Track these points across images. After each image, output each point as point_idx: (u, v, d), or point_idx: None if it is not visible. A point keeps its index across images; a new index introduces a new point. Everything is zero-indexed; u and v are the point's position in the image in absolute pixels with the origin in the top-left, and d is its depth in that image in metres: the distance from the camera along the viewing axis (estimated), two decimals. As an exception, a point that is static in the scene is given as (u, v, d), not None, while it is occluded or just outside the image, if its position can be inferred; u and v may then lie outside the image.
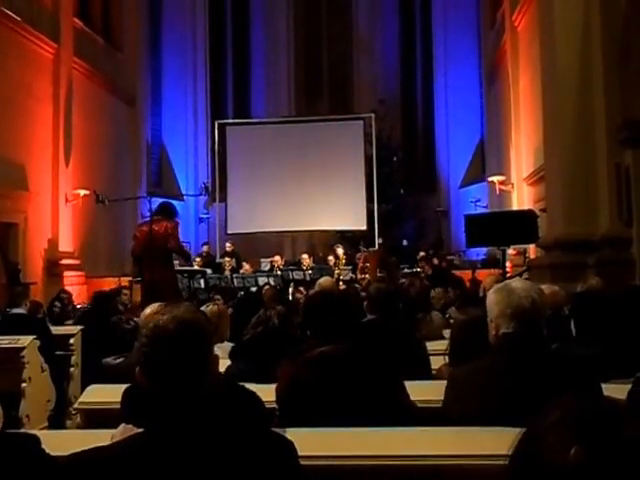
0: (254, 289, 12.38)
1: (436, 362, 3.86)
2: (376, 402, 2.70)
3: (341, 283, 12.75)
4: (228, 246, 16.42)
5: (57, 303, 9.54)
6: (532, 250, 12.94)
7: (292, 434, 1.83)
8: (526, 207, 13.45)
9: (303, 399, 2.71)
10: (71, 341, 6.73)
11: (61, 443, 2.16)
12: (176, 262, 10.12)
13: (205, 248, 16.94)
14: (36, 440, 1.71)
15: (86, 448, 1.66)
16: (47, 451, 1.76)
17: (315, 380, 2.72)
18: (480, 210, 17.15)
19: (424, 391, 3.06)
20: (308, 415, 2.63)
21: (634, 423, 1.01)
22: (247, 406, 2.19)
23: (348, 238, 18.40)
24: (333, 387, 2.69)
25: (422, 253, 15.72)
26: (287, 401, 2.75)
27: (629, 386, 2.53)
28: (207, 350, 1.70)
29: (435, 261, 15.42)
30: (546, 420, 1.04)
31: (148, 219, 8.82)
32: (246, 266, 14.94)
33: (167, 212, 8.75)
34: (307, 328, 3.09)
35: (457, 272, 13.82)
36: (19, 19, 13.73)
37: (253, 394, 2.39)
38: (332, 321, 2.96)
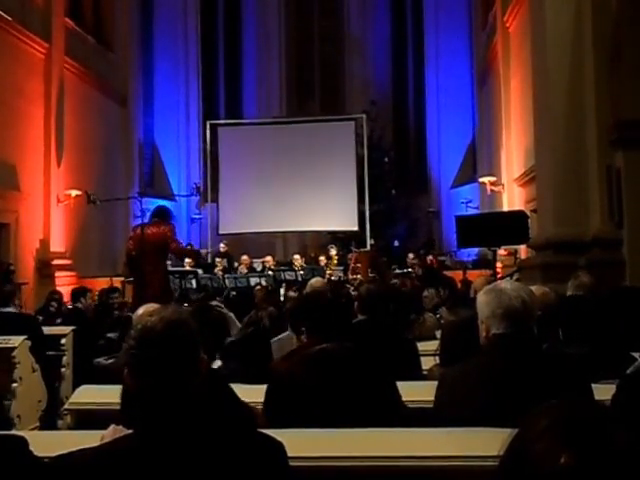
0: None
1: (427, 363, 3.86)
2: (374, 402, 2.70)
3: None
4: (222, 247, 16.25)
5: (53, 303, 9.54)
6: (523, 251, 12.96)
7: (281, 434, 1.82)
8: (517, 208, 13.48)
9: (297, 396, 2.70)
10: (62, 341, 6.70)
11: (50, 444, 2.15)
12: (168, 262, 10.10)
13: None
14: (23, 441, 1.70)
15: (73, 449, 1.65)
16: (35, 452, 1.75)
17: (314, 377, 2.70)
18: (471, 211, 17.17)
19: (415, 392, 3.05)
20: (300, 412, 2.62)
21: (623, 428, 1.01)
22: (234, 406, 2.18)
23: (340, 239, 18.39)
24: (330, 385, 2.68)
25: (411, 255, 15.61)
26: (278, 397, 2.74)
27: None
28: (195, 351, 1.69)
29: (428, 260, 15.36)
30: (536, 425, 1.04)
31: (147, 221, 8.85)
32: (243, 259, 14.99)
33: (163, 215, 8.81)
34: (303, 326, 3.05)
35: (448, 273, 13.82)
36: (10, 19, 13.68)
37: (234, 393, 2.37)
38: (332, 318, 2.94)
